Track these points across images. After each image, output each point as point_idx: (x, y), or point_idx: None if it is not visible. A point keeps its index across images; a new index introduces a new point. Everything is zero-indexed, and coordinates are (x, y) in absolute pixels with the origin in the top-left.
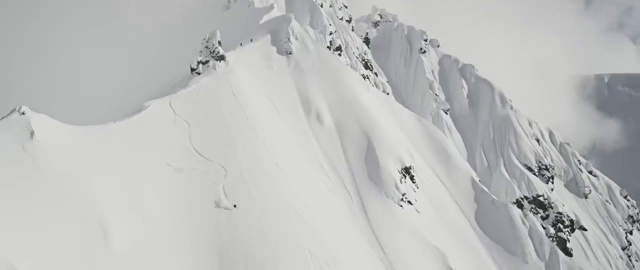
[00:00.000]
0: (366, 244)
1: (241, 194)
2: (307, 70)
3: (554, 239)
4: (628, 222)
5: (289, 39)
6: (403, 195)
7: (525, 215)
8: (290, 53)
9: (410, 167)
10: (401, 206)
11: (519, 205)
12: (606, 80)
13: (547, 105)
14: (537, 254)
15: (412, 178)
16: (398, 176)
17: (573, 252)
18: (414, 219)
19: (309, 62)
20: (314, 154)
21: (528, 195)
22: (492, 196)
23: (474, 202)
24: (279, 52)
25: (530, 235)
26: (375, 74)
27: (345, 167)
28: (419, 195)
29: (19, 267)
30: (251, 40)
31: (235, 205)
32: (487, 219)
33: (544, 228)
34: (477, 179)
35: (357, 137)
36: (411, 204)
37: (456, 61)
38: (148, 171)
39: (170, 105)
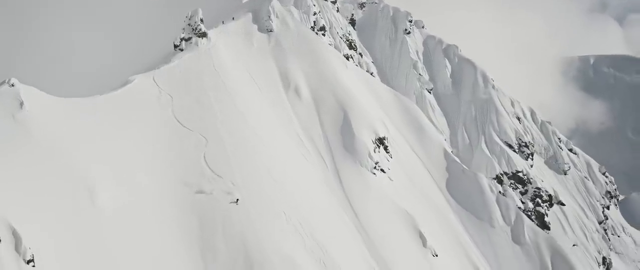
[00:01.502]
0: (339, 208)
1: (221, 160)
2: (287, 47)
3: (533, 213)
4: (606, 198)
5: (269, 17)
6: (376, 163)
7: (505, 190)
8: (270, 31)
9: (384, 138)
10: (374, 174)
11: (499, 180)
12: (591, 61)
13: (531, 87)
14: (504, 219)
15: (385, 148)
16: (372, 146)
17: (551, 226)
18: (386, 185)
19: (289, 39)
20: (292, 125)
21: (508, 171)
22: (463, 166)
23: (445, 171)
24: (260, 30)
25: (497, 202)
26: (360, 54)
27: (321, 138)
28: (392, 164)
29: (15, 225)
30: (233, 18)
31: (237, 200)
32: (458, 187)
33: (522, 203)
34: (449, 150)
35: (333, 109)
36: (384, 172)
37: (440, 42)
38: (132, 140)
39: (154, 79)
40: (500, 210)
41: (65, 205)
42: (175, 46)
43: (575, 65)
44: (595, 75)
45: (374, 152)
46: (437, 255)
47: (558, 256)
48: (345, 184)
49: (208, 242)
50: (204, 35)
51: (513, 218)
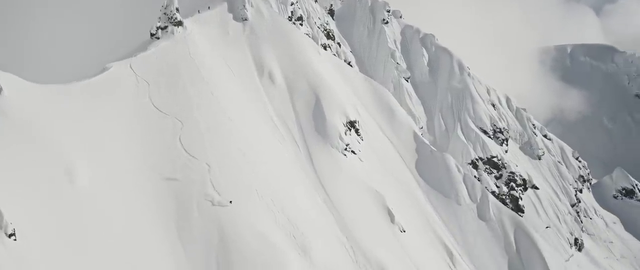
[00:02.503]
0: (311, 188)
1: (196, 142)
2: (262, 35)
3: (507, 196)
4: (578, 182)
5: (244, 6)
6: (347, 145)
7: (480, 175)
8: (245, 19)
9: (355, 121)
10: (345, 155)
11: (474, 165)
12: (569, 50)
13: (509, 75)
14: (470, 197)
15: (356, 131)
16: (343, 129)
17: (525, 209)
18: (357, 166)
19: (263, 27)
20: (266, 110)
21: (482, 157)
22: (431, 147)
23: (414, 152)
24: (235, 18)
25: (464, 181)
26: (338, 43)
27: (294, 121)
28: (362, 146)
29: None
30: (209, 7)
31: (231, 202)
32: (426, 167)
33: (497, 187)
34: (419, 133)
35: (306, 94)
36: (355, 153)
37: (418, 31)
38: (110, 123)
39: (131, 66)
40: (467, 189)
41: (44, 185)
42: (152, 35)
43: (552, 54)
44: (573, 64)
45: (345, 134)
46: (404, 231)
47: (521, 231)
48: (317, 165)
49: (184, 220)
50: (179, 23)
51: (479, 196)
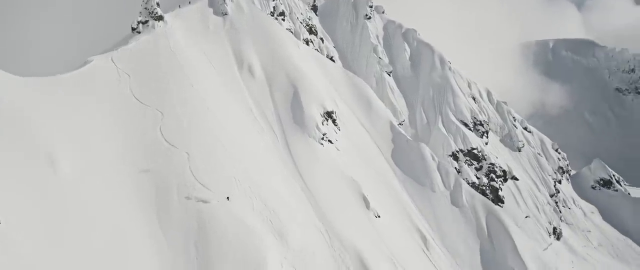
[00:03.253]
0: (288, 175)
1: (175, 132)
2: (241, 29)
3: (487, 187)
4: (558, 173)
5: (224, 1)
6: (324, 135)
7: (460, 167)
8: (226, 14)
9: (332, 112)
10: (322, 144)
11: (455, 157)
12: (551, 45)
13: (492, 71)
14: (444, 185)
15: (333, 121)
16: (320, 119)
17: (505, 200)
18: (334, 155)
19: (243, 22)
20: (245, 101)
21: (463, 148)
22: (407, 137)
23: (391, 142)
24: (216, 13)
25: (438, 169)
26: (321, 39)
27: (272, 112)
28: (339, 136)
29: None
30: (189, 2)
31: (228, 198)
32: (402, 156)
33: (477, 178)
34: (395, 124)
35: (284, 86)
36: (331, 142)
37: (400, 26)
38: (92, 114)
39: (112, 59)
40: (441, 177)
41: (28, 173)
42: (133, 29)
43: (534, 49)
44: (554, 59)
45: (322, 124)
46: (379, 217)
47: (492, 216)
48: (294, 154)
49: (164, 207)
50: (160, 18)
51: (452, 183)
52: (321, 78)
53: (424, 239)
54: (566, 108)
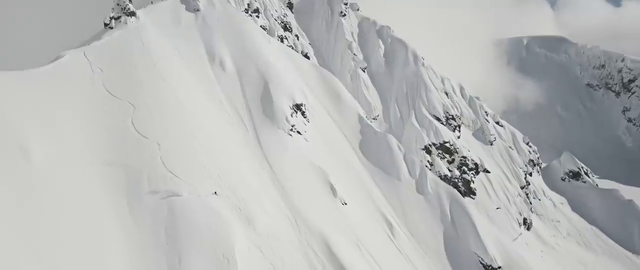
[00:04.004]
0: (257, 165)
1: (147, 123)
2: (213, 25)
3: (459, 179)
4: (529, 165)
5: None
6: (293, 126)
7: (433, 160)
8: (198, 10)
9: (301, 105)
10: (291, 135)
11: (428, 151)
12: (525, 42)
13: (467, 68)
14: (410, 174)
15: (303, 113)
16: (289, 111)
17: (477, 192)
18: (302, 145)
19: (214, 18)
20: (216, 95)
21: (435, 142)
22: (375, 128)
23: (359, 134)
24: (188, 9)
25: (404, 159)
26: (296, 36)
27: (243, 105)
28: (308, 128)
29: None
30: None
31: (215, 192)
32: (370, 147)
33: (449, 171)
34: (364, 116)
35: (255, 80)
36: (300, 134)
37: (374, 23)
38: (64, 106)
39: (84, 54)
40: (407, 166)
41: (1, 164)
42: (106, 25)
43: (509, 46)
44: (528, 56)
45: (291, 116)
46: (346, 204)
47: (455, 203)
48: (264, 145)
49: (134, 194)
50: (132, 14)
51: (418, 172)
52: (291, 72)
53: (390, 225)
54: (539, 103)
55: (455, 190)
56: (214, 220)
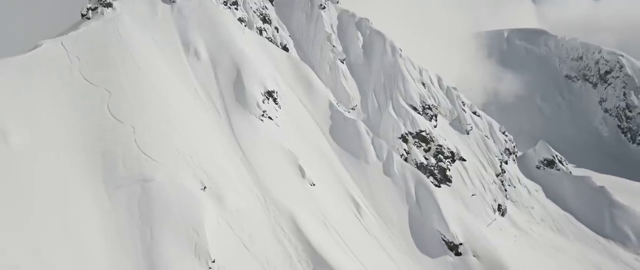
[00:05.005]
0: (229, 148)
1: (122, 108)
2: (189, 16)
3: (435, 167)
4: (504, 154)
5: None
6: (264, 112)
7: (409, 148)
8: (173, 1)
9: (273, 91)
10: (262, 120)
11: (404, 139)
12: (505, 35)
13: (447, 60)
14: (377, 157)
15: (274, 100)
16: (261, 98)
17: (453, 179)
18: (273, 130)
19: (190, 9)
20: (191, 83)
21: (412, 131)
22: (345, 114)
23: (329, 119)
24: (164, 0)
25: (372, 143)
26: (276, 28)
27: (216, 92)
28: (279, 114)
29: None
30: None
31: (205, 187)
32: (339, 132)
33: (426, 159)
34: (335, 103)
35: (228, 68)
36: (271, 119)
37: (353, 16)
38: (42, 92)
39: (62, 43)
40: (375, 150)
41: None
42: (83, 15)
43: (490, 38)
44: (509, 48)
45: (263, 103)
46: (314, 185)
47: (420, 184)
48: (236, 129)
49: (109, 174)
50: (109, 5)
51: (385, 156)
52: (264, 61)
53: (357, 205)
54: (519, 95)
55: (420, 173)
56: (185, 198)
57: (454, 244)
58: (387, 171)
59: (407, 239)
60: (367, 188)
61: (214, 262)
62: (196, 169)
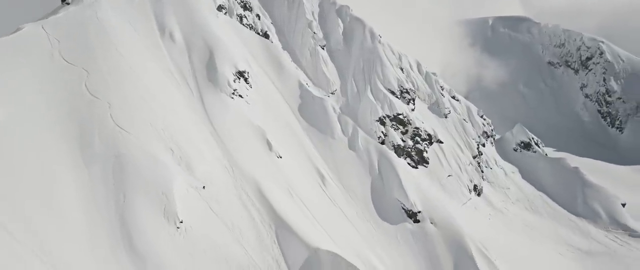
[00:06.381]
0: (200, 123)
1: (99, 86)
2: (165, 1)
3: (412, 149)
4: (482, 137)
5: None
6: (234, 90)
7: (387, 131)
8: None
9: (244, 72)
10: (232, 98)
11: (382, 122)
12: (490, 22)
13: (433, 48)
14: (343, 132)
15: (245, 80)
16: (232, 77)
17: (430, 161)
18: (243, 107)
19: None
20: (166, 64)
21: (389, 114)
22: (313, 93)
23: (299, 98)
24: None
25: (338, 120)
26: (257, 15)
27: (190, 72)
28: (250, 92)
29: None
30: None
31: (204, 187)
32: (308, 110)
33: (403, 141)
34: (305, 83)
35: (202, 50)
36: (242, 97)
37: (334, 3)
38: (22, 71)
39: (43, 27)
40: (341, 126)
41: None
42: (62, 1)
43: (474, 26)
44: (493, 36)
45: (234, 82)
46: (281, 157)
47: (383, 157)
48: (207, 106)
49: (86, 144)
50: None
51: (350, 131)
52: (237, 43)
53: (322, 177)
54: (503, 82)
55: (384, 147)
56: (156, 166)
57: (412, 211)
58: (352, 146)
59: (369, 208)
60: (333, 161)
61: (181, 222)
62: (168, 141)
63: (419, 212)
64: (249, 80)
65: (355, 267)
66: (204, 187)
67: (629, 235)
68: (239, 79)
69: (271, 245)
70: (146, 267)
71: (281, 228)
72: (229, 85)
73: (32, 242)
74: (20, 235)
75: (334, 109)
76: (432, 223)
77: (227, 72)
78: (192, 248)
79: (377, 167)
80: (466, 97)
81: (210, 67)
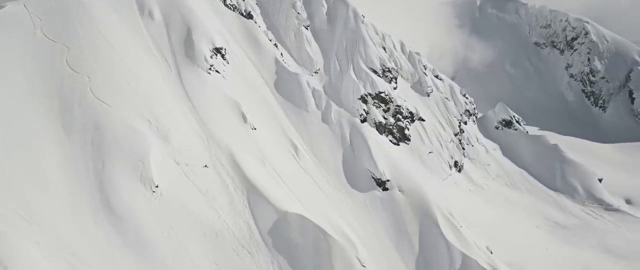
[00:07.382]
0: (177, 96)
1: (79, 61)
2: None
3: (394, 127)
4: (464, 115)
5: None
6: (211, 66)
7: (369, 109)
8: None
9: (221, 48)
10: (209, 73)
11: (364, 100)
12: (478, 3)
13: (422, 30)
14: (317, 106)
15: (222, 56)
16: (209, 54)
17: (411, 138)
18: (220, 82)
19: None
20: (145, 41)
21: (371, 92)
22: (288, 69)
23: (275, 74)
24: None
25: (312, 94)
26: None
27: (168, 50)
28: (227, 68)
29: None
30: None
31: (206, 165)
32: (283, 85)
33: (384, 119)
34: (281, 60)
35: (179, 27)
36: (219, 72)
37: None
38: (5, 49)
39: (24, 5)
40: (315, 100)
41: None
42: None
43: (463, 7)
44: (481, 17)
45: (211, 58)
46: (255, 129)
47: (355, 129)
48: (185, 80)
49: (67, 114)
50: None
51: (324, 105)
52: (215, 21)
53: (295, 148)
54: (490, 62)
55: (356, 119)
56: (134, 135)
57: (381, 180)
58: (325, 119)
59: (340, 177)
60: (306, 134)
61: (157, 187)
62: (146, 113)
63: (388, 180)
64: (226, 56)
65: (321, 228)
66: (206, 165)
67: (605, 208)
68: (216, 55)
69: (243, 210)
70: (123, 227)
71: (252, 193)
72: (206, 61)
73: (21, 208)
74: (4, 194)
75: (308, 83)
76: (400, 191)
77: (204, 49)
78: (166, 210)
79: (348, 139)
80: (453, 78)
81: (188, 44)
